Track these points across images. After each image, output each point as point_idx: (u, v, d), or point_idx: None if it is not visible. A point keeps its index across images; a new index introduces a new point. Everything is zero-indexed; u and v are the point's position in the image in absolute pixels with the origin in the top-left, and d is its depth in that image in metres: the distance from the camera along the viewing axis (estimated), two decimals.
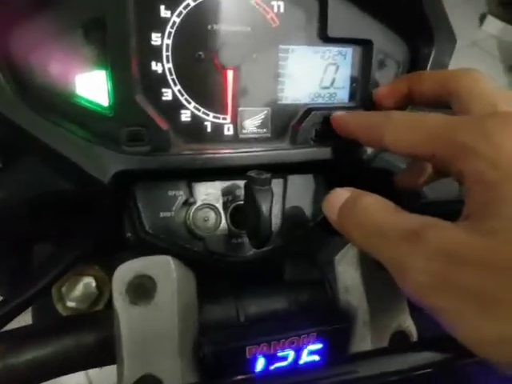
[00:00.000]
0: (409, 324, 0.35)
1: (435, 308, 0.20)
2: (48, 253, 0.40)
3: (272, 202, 0.31)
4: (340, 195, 0.27)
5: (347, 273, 0.33)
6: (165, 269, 0.26)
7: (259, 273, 0.37)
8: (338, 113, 0.36)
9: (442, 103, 0.30)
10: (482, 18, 2.81)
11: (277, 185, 0.38)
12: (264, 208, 0.30)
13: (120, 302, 0.26)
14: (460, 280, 0.18)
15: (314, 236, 0.38)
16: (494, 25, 2.78)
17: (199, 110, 0.36)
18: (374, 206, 0.24)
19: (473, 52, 2.69)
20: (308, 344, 0.29)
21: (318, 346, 0.29)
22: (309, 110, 0.38)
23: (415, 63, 0.39)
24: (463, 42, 2.71)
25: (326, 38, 0.37)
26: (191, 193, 0.35)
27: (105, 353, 0.27)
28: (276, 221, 0.37)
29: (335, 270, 0.33)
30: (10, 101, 0.29)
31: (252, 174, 0.31)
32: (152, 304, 0.26)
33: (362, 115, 0.34)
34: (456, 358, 0.26)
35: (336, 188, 0.28)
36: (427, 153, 0.25)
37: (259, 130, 0.38)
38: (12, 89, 0.29)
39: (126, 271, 0.26)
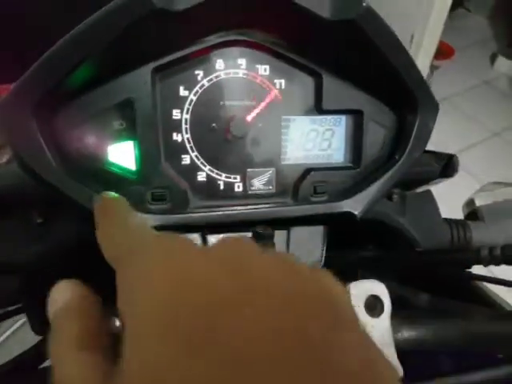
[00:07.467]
0: None
1: None
2: None
3: None
4: (61, 294, 0.22)
5: None
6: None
7: None
8: None
9: None
10: (493, 58, 2.89)
11: (281, 235, 0.43)
12: None
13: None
14: None
15: None
16: (504, 64, 2.85)
17: (213, 172, 0.42)
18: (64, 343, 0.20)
19: (485, 91, 2.75)
20: None
21: None
22: (308, 170, 0.44)
23: (402, 129, 0.44)
24: (476, 82, 2.78)
25: (321, 110, 0.43)
26: (205, 244, 0.40)
27: None
28: None
29: None
30: (54, 171, 0.35)
31: (258, 230, 0.36)
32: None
33: None
34: None
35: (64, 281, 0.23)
36: None
37: (265, 187, 0.44)
38: (56, 161, 0.35)
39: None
